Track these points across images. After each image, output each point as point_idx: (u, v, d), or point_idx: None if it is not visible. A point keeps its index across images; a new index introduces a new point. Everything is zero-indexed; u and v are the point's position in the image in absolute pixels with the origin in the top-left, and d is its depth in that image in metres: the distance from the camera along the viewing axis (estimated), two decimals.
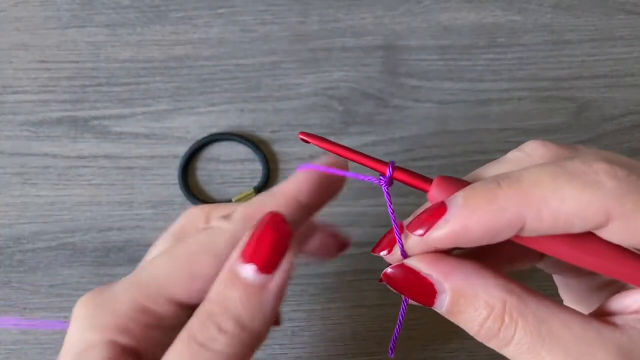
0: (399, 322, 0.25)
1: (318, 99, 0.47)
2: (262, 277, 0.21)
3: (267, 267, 0.21)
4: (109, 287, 0.23)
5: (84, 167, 0.46)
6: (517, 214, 0.20)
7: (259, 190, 0.44)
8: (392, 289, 0.22)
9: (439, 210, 0.21)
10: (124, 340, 0.21)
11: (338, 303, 0.43)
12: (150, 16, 0.48)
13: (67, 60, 0.48)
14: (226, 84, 0.47)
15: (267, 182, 0.45)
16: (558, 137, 0.46)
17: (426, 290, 0.21)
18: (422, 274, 0.21)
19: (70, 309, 0.44)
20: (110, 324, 0.21)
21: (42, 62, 0.48)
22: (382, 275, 0.22)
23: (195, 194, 0.45)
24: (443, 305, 0.21)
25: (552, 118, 0.47)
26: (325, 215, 0.44)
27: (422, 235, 0.21)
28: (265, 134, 0.46)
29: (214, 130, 0.46)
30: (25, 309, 0.43)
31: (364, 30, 0.48)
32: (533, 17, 0.48)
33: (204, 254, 0.22)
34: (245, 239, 0.21)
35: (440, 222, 0.21)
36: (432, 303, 0.21)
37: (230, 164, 0.46)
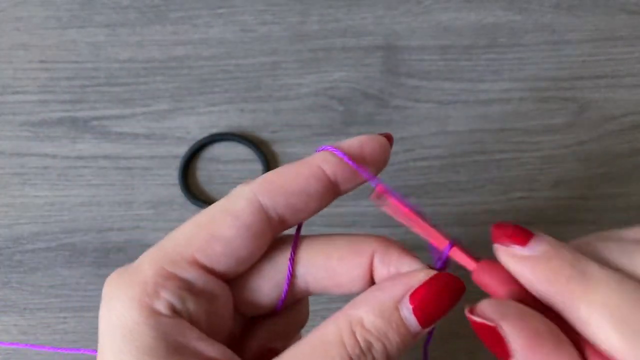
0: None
1: (318, 98, 0.47)
2: (418, 329, 0.22)
3: (428, 323, 0.22)
4: (132, 264, 0.23)
5: (84, 167, 0.46)
6: (577, 308, 0.19)
7: None
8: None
9: (523, 237, 0.21)
10: (160, 307, 0.21)
11: (338, 303, 0.43)
12: (150, 16, 0.48)
13: (66, 60, 0.48)
14: (226, 83, 0.47)
15: None
16: (558, 137, 0.46)
17: (503, 353, 0.20)
18: (502, 335, 0.20)
19: (69, 309, 0.44)
20: (143, 295, 0.21)
21: (42, 62, 0.48)
22: (468, 315, 0.22)
23: (195, 194, 0.45)
24: None
25: (552, 118, 0.46)
26: (325, 215, 0.44)
27: (497, 250, 0.21)
28: (265, 134, 0.46)
29: (214, 130, 0.46)
30: (25, 309, 0.43)
31: (364, 30, 0.48)
32: (533, 17, 0.48)
33: (223, 215, 0.23)
34: (420, 281, 0.22)
35: (515, 249, 0.21)
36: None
37: (230, 164, 0.46)
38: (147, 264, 0.22)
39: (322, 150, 0.24)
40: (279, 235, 0.25)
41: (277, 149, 0.46)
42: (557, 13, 0.48)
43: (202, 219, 0.23)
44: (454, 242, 0.23)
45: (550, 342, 0.20)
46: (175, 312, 0.22)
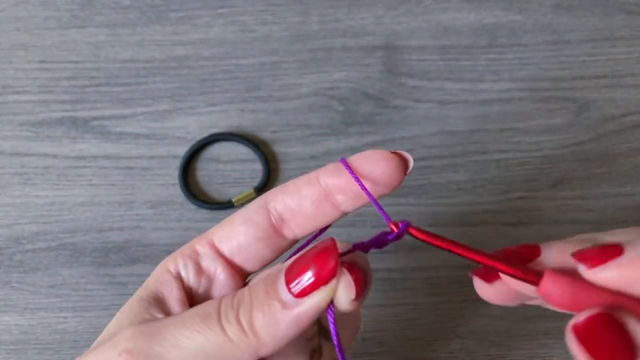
0: None
1: (318, 98, 0.47)
2: (290, 298, 0.21)
3: (297, 292, 0.21)
4: None
5: (84, 167, 0.46)
6: None
7: (259, 190, 0.44)
8: (574, 342, 0.19)
9: (613, 251, 0.20)
10: (170, 265, 0.26)
11: None
12: (150, 16, 0.48)
13: (66, 60, 0.48)
14: (226, 83, 0.47)
15: (267, 182, 0.45)
16: (558, 137, 0.46)
17: (626, 352, 0.19)
18: (631, 333, 0.19)
19: (69, 309, 0.44)
20: (170, 258, 0.26)
21: (42, 62, 0.48)
22: (571, 326, 0.20)
23: (195, 194, 0.45)
24: None
25: (552, 118, 0.46)
26: None
27: (586, 270, 0.20)
28: (265, 134, 0.46)
29: (214, 130, 0.46)
30: (25, 309, 0.43)
31: (364, 30, 0.48)
32: (533, 17, 0.48)
33: (240, 213, 0.26)
34: (298, 255, 0.23)
35: (612, 263, 0.20)
36: None
37: (230, 164, 0.46)
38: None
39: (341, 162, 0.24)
40: (289, 242, 0.26)
41: (277, 149, 0.46)
42: (557, 13, 0.48)
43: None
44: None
45: None
46: (178, 273, 0.25)
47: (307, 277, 0.21)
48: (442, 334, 0.42)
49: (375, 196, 0.24)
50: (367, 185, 0.24)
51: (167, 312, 0.24)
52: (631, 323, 0.19)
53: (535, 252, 0.22)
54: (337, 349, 0.22)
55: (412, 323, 0.42)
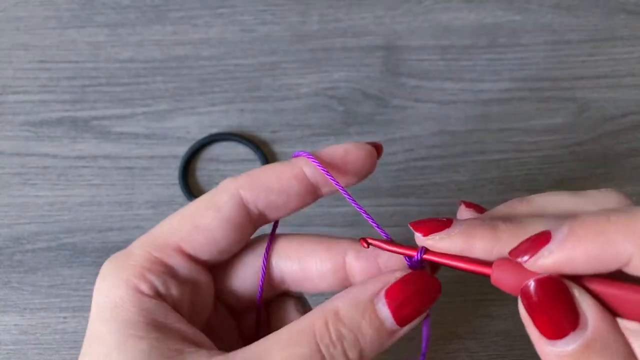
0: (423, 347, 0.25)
1: (318, 98, 0.47)
2: (395, 326, 0.22)
3: (403, 321, 0.23)
4: (126, 249, 0.25)
5: (84, 167, 0.46)
6: (624, 249, 0.19)
7: None
8: (522, 305, 0.21)
9: (542, 239, 0.20)
10: (145, 288, 0.23)
11: None
12: (150, 16, 0.48)
13: (66, 60, 0.48)
14: (226, 83, 0.47)
15: None
16: (558, 137, 0.46)
17: (568, 320, 0.20)
18: (575, 302, 0.20)
19: (69, 309, 0.44)
20: (131, 277, 0.23)
21: (42, 62, 0.48)
22: (520, 291, 0.21)
23: (195, 193, 0.45)
24: (569, 344, 0.19)
25: (552, 118, 0.46)
26: (325, 215, 0.44)
27: (525, 262, 0.21)
28: (265, 134, 0.46)
29: (214, 130, 0.46)
30: (25, 309, 0.43)
31: (364, 30, 0.48)
32: (533, 17, 0.48)
33: (207, 207, 0.25)
34: (396, 277, 0.23)
35: (544, 251, 0.20)
36: (563, 336, 0.20)
37: (230, 164, 0.46)
38: (137, 249, 0.24)
39: (297, 155, 0.25)
40: (259, 227, 0.26)
41: (277, 149, 0.46)
42: (557, 13, 0.48)
43: (188, 210, 0.25)
44: (425, 250, 0.24)
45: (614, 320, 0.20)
46: (158, 294, 0.24)
47: (413, 310, 0.23)
48: (442, 334, 0.42)
49: (346, 184, 0.25)
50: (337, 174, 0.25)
51: (185, 339, 0.23)
52: (576, 291, 0.20)
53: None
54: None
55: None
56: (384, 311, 0.22)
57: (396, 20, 0.48)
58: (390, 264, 0.25)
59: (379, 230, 0.25)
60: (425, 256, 0.24)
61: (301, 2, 0.48)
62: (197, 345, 0.23)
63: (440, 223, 0.23)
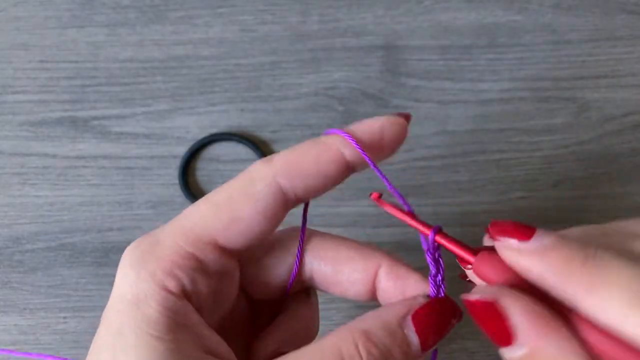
0: None
1: (318, 98, 0.47)
2: (419, 351, 0.23)
3: (426, 347, 0.23)
4: (153, 234, 0.23)
5: (84, 167, 0.46)
6: (584, 295, 0.19)
7: None
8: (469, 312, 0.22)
9: (525, 234, 0.20)
10: (172, 286, 0.22)
11: (338, 303, 0.43)
12: (149, 16, 0.48)
13: (66, 60, 0.48)
14: (226, 83, 0.47)
15: None
16: (558, 137, 0.46)
17: (504, 335, 0.20)
18: (508, 320, 0.20)
19: (69, 309, 0.44)
20: (158, 271, 0.22)
21: (42, 61, 0.48)
22: (464, 298, 0.21)
23: (195, 194, 0.45)
24: (515, 352, 0.20)
25: (552, 118, 0.46)
26: (325, 215, 0.44)
27: (495, 241, 0.21)
28: (265, 134, 0.46)
29: (214, 130, 0.46)
30: (24, 309, 0.43)
31: (364, 29, 0.48)
32: (533, 17, 0.48)
33: (243, 198, 0.23)
34: (420, 303, 0.23)
35: (519, 245, 0.20)
36: (505, 345, 0.20)
37: (230, 164, 0.46)
38: (167, 239, 0.23)
39: (329, 133, 0.25)
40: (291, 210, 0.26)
41: (277, 149, 0.46)
42: (557, 13, 0.48)
43: (221, 199, 0.23)
44: (438, 230, 0.24)
45: (551, 320, 0.20)
46: (184, 292, 0.22)
47: (437, 336, 0.23)
48: None
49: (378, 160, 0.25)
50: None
51: (203, 346, 0.22)
52: (514, 314, 0.20)
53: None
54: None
55: None
56: (412, 337, 0.23)
57: (396, 20, 0.48)
58: (416, 287, 0.25)
59: (401, 201, 0.25)
60: (437, 238, 0.23)
61: (301, 2, 0.48)
62: (214, 354, 0.22)
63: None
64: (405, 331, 0.22)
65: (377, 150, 0.24)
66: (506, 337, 0.20)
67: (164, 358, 0.20)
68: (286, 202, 0.24)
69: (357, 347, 0.21)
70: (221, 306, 0.25)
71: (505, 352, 0.20)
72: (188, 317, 0.22)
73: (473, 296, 0.21)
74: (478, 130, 0.46)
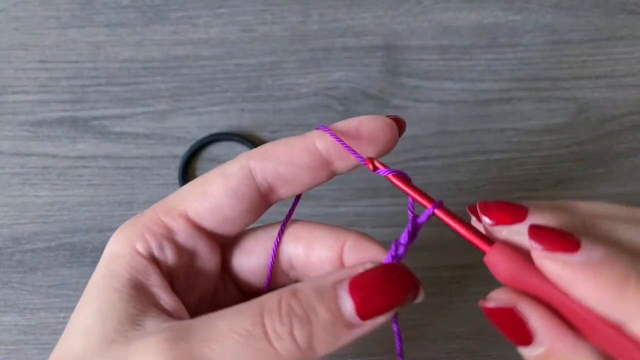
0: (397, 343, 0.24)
1: (318, 98, 0.47)
2: (355, 318, 0.21)
3: (366, 315, 0.21)
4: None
5: (84, 167, 0.46)
6: (638, 314, 0.19)
7: None
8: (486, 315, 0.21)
9: (570, 245, 0.20)
10: (140, 247, 0.24)
11: None
12: (150, 16, 0.48)
13: (66, 60, 0.48)
14: (226, 83, 0.47)
15: None
16: (558, 137, 0.46)
17: (523, 337, 0.20)
18: (528, 324, 0.20)
19: (69, 309, 0.44)
20: (132, 234, 0.24)
21: (42, 61, 0.48)
22: (482, 304, 0.21)
23: None
24: (531, 354, 0.20)
25: (552, 118, 0.46)
26: (325, 215, 0.44)
27: (539, 251, 0.20)
28: (265, 134, 0.46)
29: (214, 130, 0.46)
30: (24, 309, 0.43)
31: (364, 29, 0.48)
32: (533, 17, 0.48)
33: (216, 175, 0.25)
34: (365, 268, 0.22)
35: (561, 257, 0.20)
36: (525, 345, 0.20)
37: None
38: (149, 211, 0.25)
39: (317, 129, 0.25)
40: (272, 204, 0.26)
41: None
42: (557, 13, 0.48)
43: (200, 179, 0.26)
44: (439, 204, 0.24)
45: (562, 322, 0.20)
46: (151, 255, 0.24)
47: (378, 304, 0.21)
48: (442, 334, 0.42)
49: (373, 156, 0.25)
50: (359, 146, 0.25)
51: (155, 304, 0.23)
52: (532, 318, 0.20)
53: (520, 215, 0.22)
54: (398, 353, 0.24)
55: (412, 323, 0.42)
56: (345, 298, 0.21)
57: (396, 20, 0.48)
58: (377, 258, 0.24)
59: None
60: (436, 212, 0.24)
61: (301, 2, 0.48)
62: (165, 312, 0.23)
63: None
64: (338, 292, 0.21)
65: (357, 145, 0.25)
66: (526, 338, 0.20)
67: (114, 306, 0.22)
68: (258, 187, 0.25)
69: (279, 302, 0.21)
70: (198, 287, 0.26)
71: (524, 350, 0.21)
72: (149, 277, 0.24)
73: (492, 303, 0.21)
74: (478, 130, 0.46)
